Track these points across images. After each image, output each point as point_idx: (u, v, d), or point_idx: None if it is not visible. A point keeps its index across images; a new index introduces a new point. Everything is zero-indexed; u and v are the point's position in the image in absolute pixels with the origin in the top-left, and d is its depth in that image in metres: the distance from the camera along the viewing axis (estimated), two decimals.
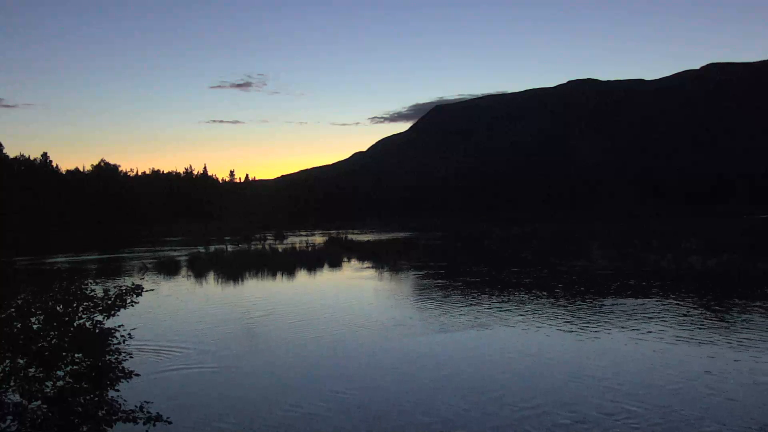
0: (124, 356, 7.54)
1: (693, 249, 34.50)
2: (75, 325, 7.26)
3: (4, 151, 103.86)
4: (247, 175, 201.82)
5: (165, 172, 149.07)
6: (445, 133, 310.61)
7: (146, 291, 8.04)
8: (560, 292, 22.78)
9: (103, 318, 7.57)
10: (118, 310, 7.68)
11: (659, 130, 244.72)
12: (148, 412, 7.16)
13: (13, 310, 7.15)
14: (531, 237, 53.35)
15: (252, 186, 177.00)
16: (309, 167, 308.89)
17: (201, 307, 21.36)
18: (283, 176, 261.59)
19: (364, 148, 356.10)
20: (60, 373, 7.12)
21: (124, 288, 7.77)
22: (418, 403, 10.28)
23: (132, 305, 7.78)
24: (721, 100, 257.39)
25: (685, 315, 17.52)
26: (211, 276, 30.54)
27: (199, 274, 31.51)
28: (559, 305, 19.78)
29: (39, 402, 6.92)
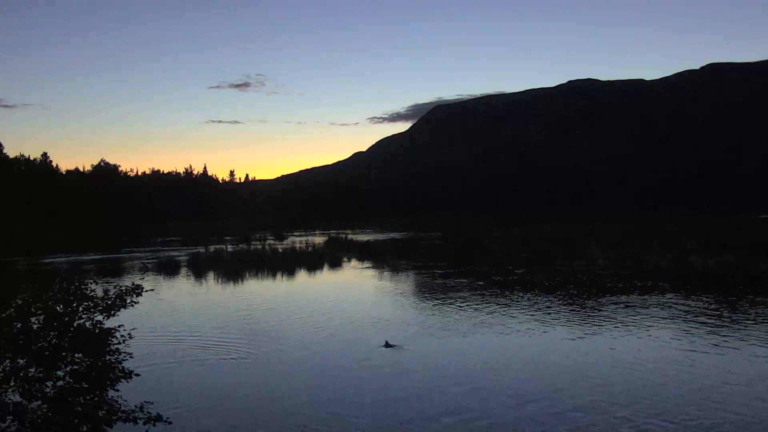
0: (124, 356, 7.53)
1: (693, 249, 34.47)
2: (75, 325, 7.26)
3: (4, 151, 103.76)
4: (247, 175, 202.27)
5: (165, 172, 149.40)
6: (444, 133, 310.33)
7: (146, 291, 8.04)
8: (561, 292, 22.78)
9: (103, 318, 7.56)
10: (118, 310, 7.68)
11: (659, 130, 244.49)
12: (148, 412, 7.16)
13: (13, 310, 7.15)
14: (531, 237, 53.34)
15: (252, 186, 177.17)
16: (309, 167, 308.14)
17: (201, 307, 21.35)
18: (282, 176, 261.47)
19: (364, 148, 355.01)
20: (60, 373, 7.12)
21: (124, 288, 7.77)
22: (420, 402, 10.28)
23: (132, 305, 7.78)
24: (721, 100, 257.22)
25: (686, 316, 17.52)
26: (211, 276, 30.52)
27: (199, 274, 31.51)
28: (560, 305, 19.79)
29: (39, 402, 6.91)
